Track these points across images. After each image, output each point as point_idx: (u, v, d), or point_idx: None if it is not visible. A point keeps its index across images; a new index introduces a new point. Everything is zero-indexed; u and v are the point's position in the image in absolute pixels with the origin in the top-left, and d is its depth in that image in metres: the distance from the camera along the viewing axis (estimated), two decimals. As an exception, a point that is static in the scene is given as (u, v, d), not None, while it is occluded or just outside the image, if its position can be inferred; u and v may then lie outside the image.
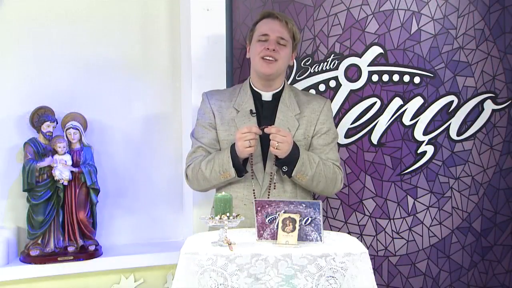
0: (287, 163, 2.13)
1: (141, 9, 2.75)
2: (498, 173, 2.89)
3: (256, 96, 2.27)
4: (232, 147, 2.14)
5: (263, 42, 2.20)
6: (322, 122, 2.26)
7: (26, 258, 2.45)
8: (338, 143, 2.73)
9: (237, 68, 2.74)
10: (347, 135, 2.78)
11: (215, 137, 2.26)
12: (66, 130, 2.53)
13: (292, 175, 2.14)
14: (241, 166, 2.15)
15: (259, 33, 2.22)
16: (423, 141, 2.82)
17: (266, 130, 2.10)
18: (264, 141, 2.14)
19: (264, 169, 2.20)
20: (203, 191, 2.34)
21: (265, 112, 2.26)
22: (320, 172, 2.17)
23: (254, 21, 2.30)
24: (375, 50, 2.76)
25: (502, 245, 2.91)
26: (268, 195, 2.19)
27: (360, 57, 2.76)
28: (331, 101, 2.73)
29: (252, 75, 2.30)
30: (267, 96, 2.27)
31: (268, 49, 2.17)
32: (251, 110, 2.23)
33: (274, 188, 2.19)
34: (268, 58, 2.18)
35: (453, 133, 2.84)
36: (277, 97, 2.27)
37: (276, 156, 2.14)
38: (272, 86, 2.27)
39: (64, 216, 2.51)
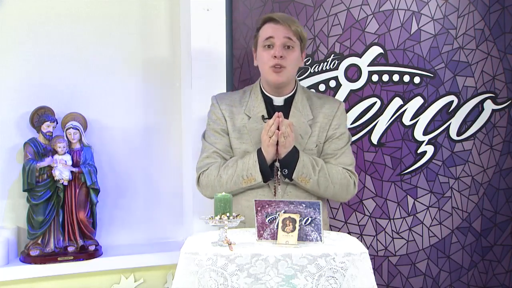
0: (287, 165, 2.09)
1: (141, 9, 2.75)
2: (498, 173, 2.89)
3: (268, 101, 2.20)
4: (259, 152, 2.09)
5: (269, 48, 2.12)
6: (335, 128, 2.20)
7: (26, 258, 2.45)
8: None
9: (237, 68, 2.74)
10: (347, 135, 2.78)
11: (229, 144, 2.19)
12: (66, 130, 2.52)
13: (293, 177, 2.10)
14: (268, 170, 2.09)
15: (264, 37, 2.13)
16: (423, 141, 2.82)
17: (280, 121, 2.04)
18: None
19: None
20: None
21: None
22: (326, 176, 2.12)
23: (257, 26, 2.20)
24: (375, 50, 2.76)
25: (502, 245, 2.91)
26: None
27: (360, 57, 2.76)
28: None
29: (263, 81, 2.22)
30: (278, 101, 2.21)
31: (275, 56, 2.10)
32: (263, 116, 2.17)
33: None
34: (276, 66, 2.11)
35: (453, 133, 2.84)
36: (289, 101, 2.21)
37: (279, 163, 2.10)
38: (284, 92, 2.20)
39: (64, 216, 2.51)
